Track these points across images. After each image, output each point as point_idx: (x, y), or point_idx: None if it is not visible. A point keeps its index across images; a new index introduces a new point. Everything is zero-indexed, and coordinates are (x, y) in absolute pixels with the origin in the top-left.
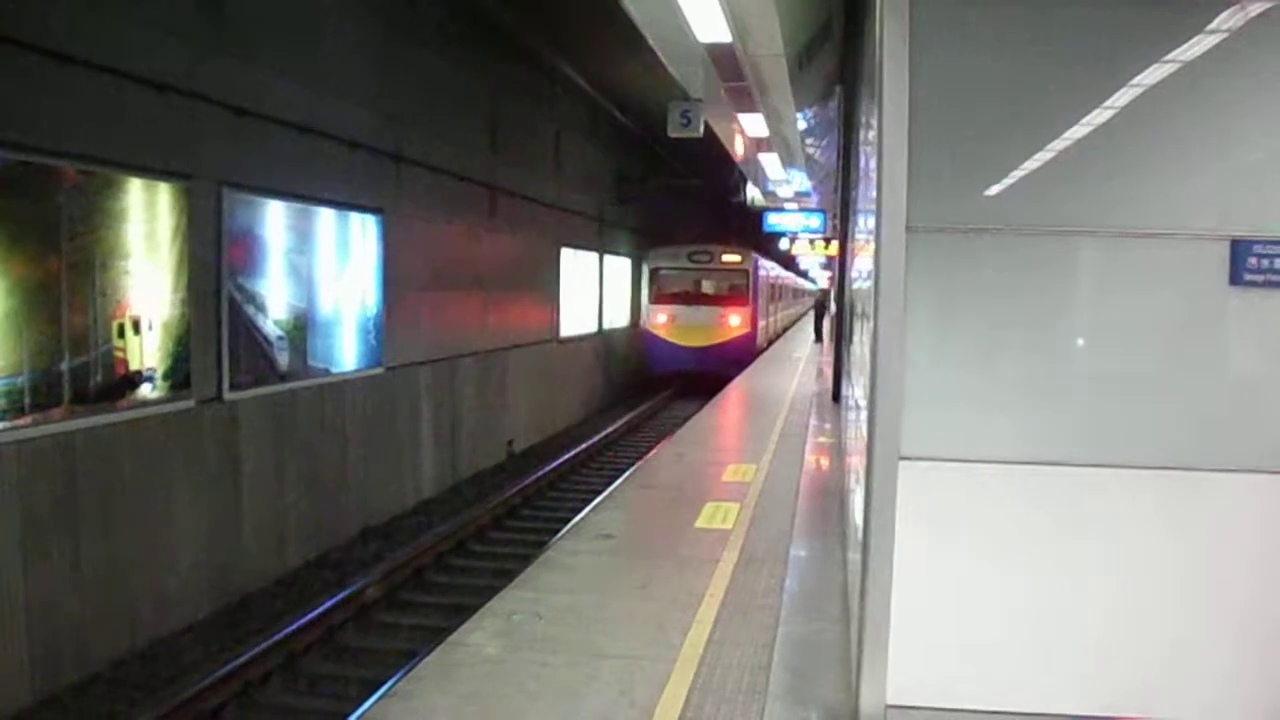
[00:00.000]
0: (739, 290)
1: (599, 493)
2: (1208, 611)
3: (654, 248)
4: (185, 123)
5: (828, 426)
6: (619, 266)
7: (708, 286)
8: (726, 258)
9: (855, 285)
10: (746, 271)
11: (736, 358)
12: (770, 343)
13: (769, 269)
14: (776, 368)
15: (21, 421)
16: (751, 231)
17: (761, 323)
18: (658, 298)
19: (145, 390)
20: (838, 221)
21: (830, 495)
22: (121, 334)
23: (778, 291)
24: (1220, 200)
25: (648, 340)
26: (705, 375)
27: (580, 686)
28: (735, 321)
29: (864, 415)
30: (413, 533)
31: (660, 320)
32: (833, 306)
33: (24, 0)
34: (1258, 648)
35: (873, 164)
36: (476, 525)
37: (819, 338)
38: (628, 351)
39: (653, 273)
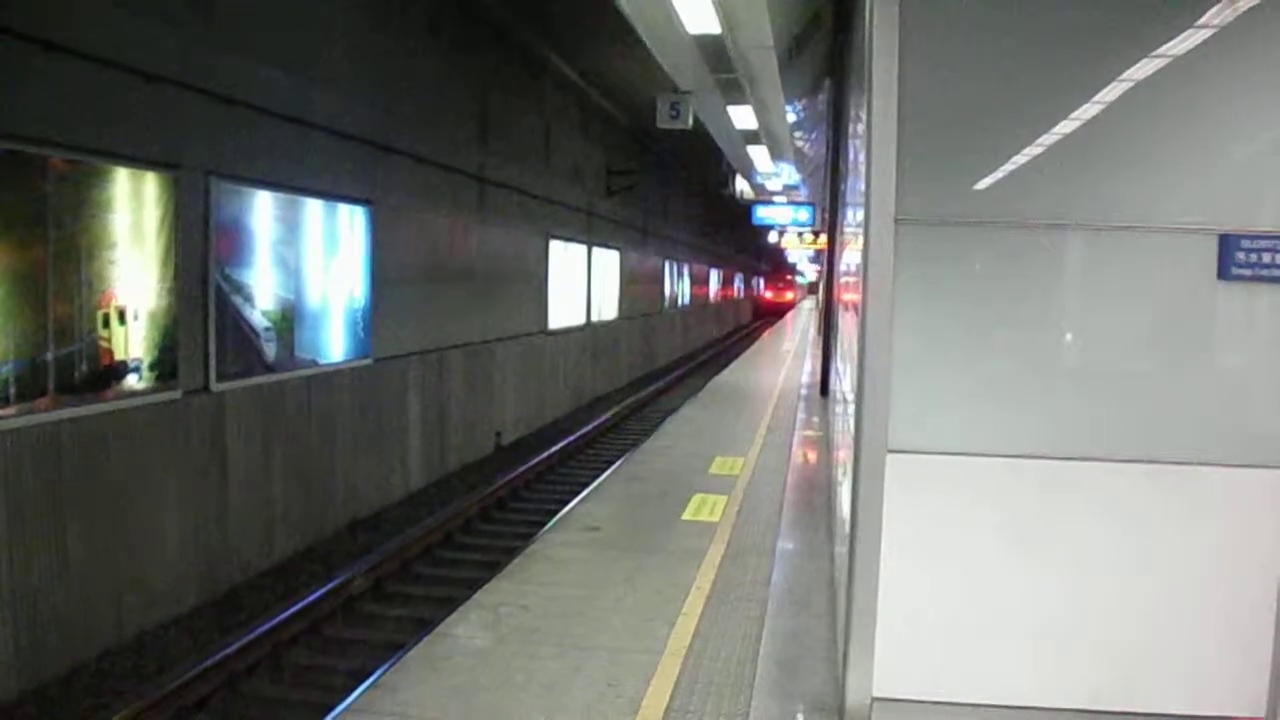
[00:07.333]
0: (789, 286)
1: (586, 485)
2: (1192, 603)
3: (765, 275)
4: (173, 112)
5: (815, 420)
6: (607, 259)
7: (781, 285)
8: (789, 278)
9: (844, 278)
10: (792, 281)
11: (788, 307)
12: (797, 303)
13: (797, 279)
14: (768, 359)
15: (6, 412)
16: (740, 225)
17: (798, 299)
18: (766, 288)
19: (131, 381)
20: (827, 214)
21: (817, 488)
22: (107, 324)
23: (797, 286)
24: (1209, 194)
25: (765, 301)
26: (780, 312)
27: (567, 679)
28: (790, 295)
29: (852, 408)
30: (400, 524)
31: (769, 295)
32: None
33: None
34: (1241, 639)
35: (862, 156)
36: (464, 517)
37: None
38: (616, 344)
39: (765, 281)
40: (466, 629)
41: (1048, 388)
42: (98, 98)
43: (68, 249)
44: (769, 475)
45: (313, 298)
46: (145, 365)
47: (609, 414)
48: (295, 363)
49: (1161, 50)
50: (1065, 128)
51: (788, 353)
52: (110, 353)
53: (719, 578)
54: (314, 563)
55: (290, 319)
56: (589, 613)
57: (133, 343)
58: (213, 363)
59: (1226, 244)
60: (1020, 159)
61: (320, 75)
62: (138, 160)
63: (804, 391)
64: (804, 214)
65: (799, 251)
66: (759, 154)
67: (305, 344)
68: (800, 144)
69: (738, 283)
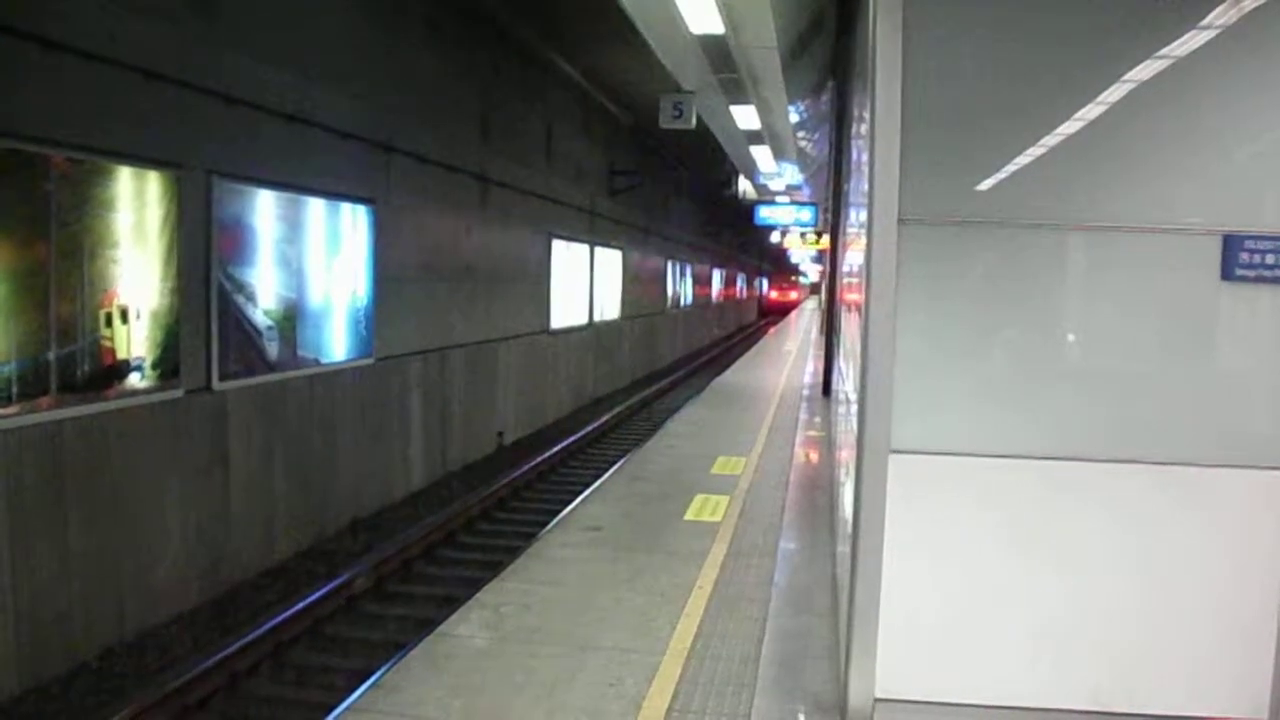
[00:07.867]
0: (793, 286)
1: (588, 485)
2: (1193, 604)
3: (770, 276)
4: (175, 111)
5: (818, 420)
6: (610, 258)
7: (785, 285)
8: (793, 278)
9: (846, 279)
10: (795, 281)
11: (792, 306)
12: (800, 302)
13: (801, 280)
14: (771, 359)
15: (8, 411)
16: (743, 225)
17: (801, 299)
18: (771, 288)
19: (134, 379)
20: (829, 215)
21: (819, 488)
22: (109, 323)
23: (800, 287)
24: (1213, 195)
25: (769, 300)
26: (783, 311)
27: (568, 678)
28: (794, 295)
29: (855, 408)
30: (402, 524)
31: (774, 295)
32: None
33: None
34: (1242, 641)
35: (865, 157)
36: (465, 517)
37: None
38: (619, 344)
39: (770, 281)
40: (468, 628)
41: (1050, 388)
42: (99, 96)
43: (70, 248)
44: (771, 475)
45: (315, 297)
46: (147, 364)
47: (611, 414)
48: (298, 362)
49: (1164, 51)
50: (1068, 128)
51: (790, 353)
52: (112, 352)
53: (721, 578)
54: (316, 562)
55: (293, 318)
56: (591, 612)
57: (135, 342)
58: (215, 362)
59: (1230, 245)
60: (1023, 159)
61: (322, 74)
62: (140, 159)
63: (806, 392)
64: (806, 214)
65: (802, 252)
66: (762, 154)
67: (308, 343)
68: (803, 144)
69: (740, 283)
